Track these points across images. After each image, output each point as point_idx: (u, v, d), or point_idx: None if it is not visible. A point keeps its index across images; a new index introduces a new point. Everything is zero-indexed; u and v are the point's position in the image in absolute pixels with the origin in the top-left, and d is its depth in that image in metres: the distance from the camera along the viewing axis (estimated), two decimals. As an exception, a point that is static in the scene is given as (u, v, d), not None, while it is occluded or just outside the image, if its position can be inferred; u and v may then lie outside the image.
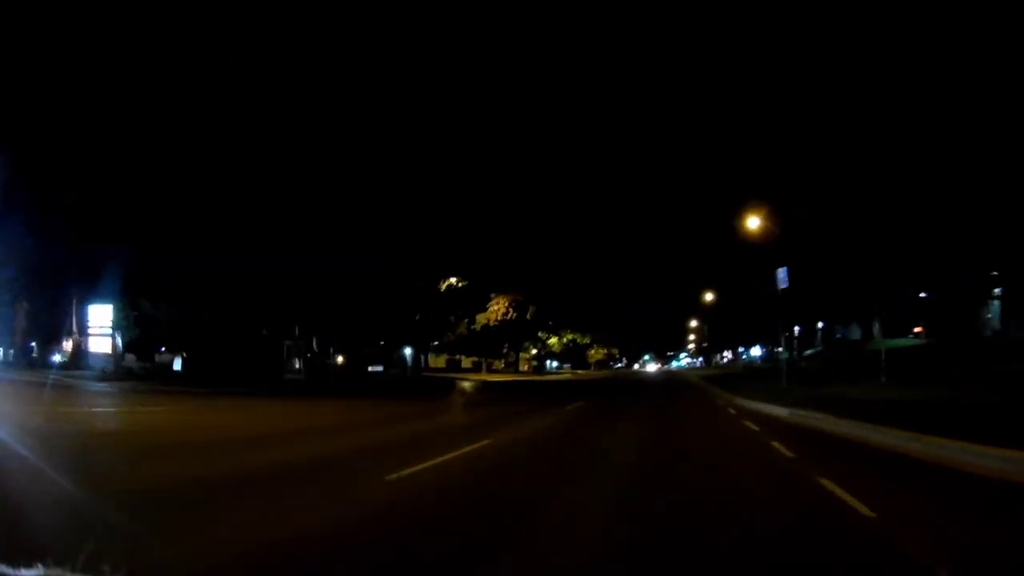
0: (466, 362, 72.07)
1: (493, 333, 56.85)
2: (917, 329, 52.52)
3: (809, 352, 68.47)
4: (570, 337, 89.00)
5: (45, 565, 2.50)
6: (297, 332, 42.07)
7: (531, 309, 60.19)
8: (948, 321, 45.93)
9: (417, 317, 45.96)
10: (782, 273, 23.97)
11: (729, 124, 55.69)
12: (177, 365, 39.69)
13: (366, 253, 41.06)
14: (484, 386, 35.74)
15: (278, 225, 35.92)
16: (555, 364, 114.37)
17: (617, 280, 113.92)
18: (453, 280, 50.02)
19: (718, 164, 56.32)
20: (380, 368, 52.97)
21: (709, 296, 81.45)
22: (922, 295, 49.81)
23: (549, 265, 65.52)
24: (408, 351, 58.37)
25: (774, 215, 40.92)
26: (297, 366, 44.57)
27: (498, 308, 56.24)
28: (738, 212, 46.25)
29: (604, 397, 24.08)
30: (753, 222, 40.33)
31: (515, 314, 57.42)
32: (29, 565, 2.48)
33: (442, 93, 63.72)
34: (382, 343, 48.24)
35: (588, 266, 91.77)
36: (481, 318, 55.79)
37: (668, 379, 41.51)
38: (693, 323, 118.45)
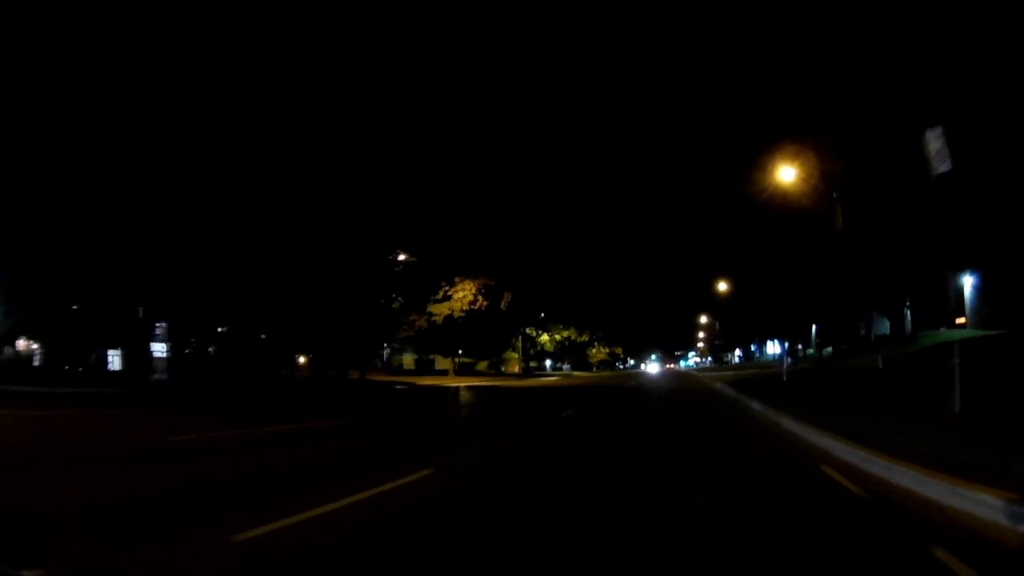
0: (442, 363, 62.88)
1: (461, 327, 47.44)
2: (960, 320, 44.13)
3: (828, 350, 59.50)
4: (565, 334, 79.38)
5: None
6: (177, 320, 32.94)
7: (506, 297, 50.50)
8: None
9: (356, 303, 36.71)
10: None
11: (740, 72, 46.24)
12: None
13: (285, 218, 32.25)
14: (419, 395, 26.84)
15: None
16: (555, 364, 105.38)
17: (619, 271, 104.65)
18: (402, 258, 40.64)
19: (730, 121, 46.91)
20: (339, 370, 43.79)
21: (722, 286, 72.73)
22: (967, 279, 43.27)
23: (533, 246, 55.91)
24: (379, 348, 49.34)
25: (811, 163, 32.63)
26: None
27: (463, 295, 46.73)
28: (760, 169, 37.67)
29: (560, 433, 15.37)
30: (787, 173, 31.55)
31: (485, 302, 47.80)
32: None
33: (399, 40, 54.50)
34: (304, 337, 38.93)
35: (584, 253, 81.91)
36: (443, 307, 46.35)
37: (678, 386, 31.60)
38: (703, 319, 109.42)
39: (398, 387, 35.19)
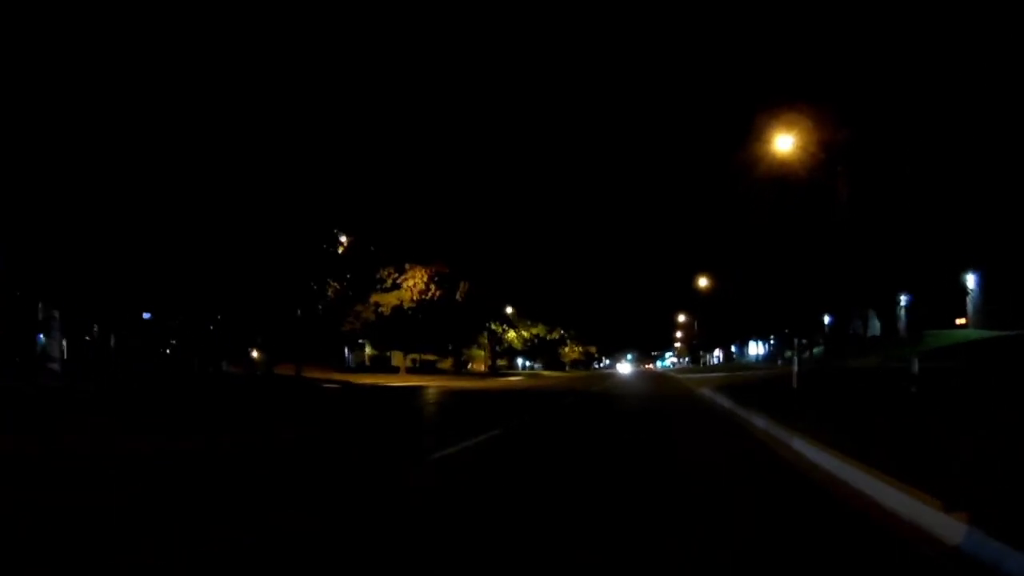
0: (399, 359, 57.26)
1: (413, 320, 41.73)
2: (960, 320, 41.64)
3: (818, 350, 55.26)
4: (534, 331, 74.05)
5: None
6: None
7: (462, 286, 44.81)
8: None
9: (281, 289, 31.17)
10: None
11: (725, 33, 41.42)
12: None
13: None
14: (323, 399, 21.52)
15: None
16: (526, 363, 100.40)
17: (593, 265, 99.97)
18: (343, 240, 35.06)
19: (716, 90, 41.96)
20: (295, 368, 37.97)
21: (703, 282, 68.10)
22: (970, 277, 39.65)
23: (495, 232, 50.24)
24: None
25: (809, 132, 28.04)
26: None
27: (413, 283, 41.02)
28: (750, 143, 33.09)
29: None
30: (783, 143, 26.76)
31: (439, 292, 42.08)
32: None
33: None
34: (226, 327, 33.39)
35: (555, 245, 76.85)
36: (390, 297, 40.62)
37: (652, 391, 26.26)
38: (681, 318, 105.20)
39: (326, 386, 29.66)
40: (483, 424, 11.00)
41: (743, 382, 23.26)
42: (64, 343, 30.49)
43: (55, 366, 25.67)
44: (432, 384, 33.44)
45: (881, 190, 32.36)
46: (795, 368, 16.20)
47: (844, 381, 18.54)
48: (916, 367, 18.00)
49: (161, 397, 18.57)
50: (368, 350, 65.10)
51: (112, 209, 27.35)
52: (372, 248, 37.86)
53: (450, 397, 21.56)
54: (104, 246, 27.67)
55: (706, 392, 20.38)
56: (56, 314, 26.34)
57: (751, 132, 31.00)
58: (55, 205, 25.59)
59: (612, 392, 25.31)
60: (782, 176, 31.63)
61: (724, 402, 15.27)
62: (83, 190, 26.30)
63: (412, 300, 41.41)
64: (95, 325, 34.05)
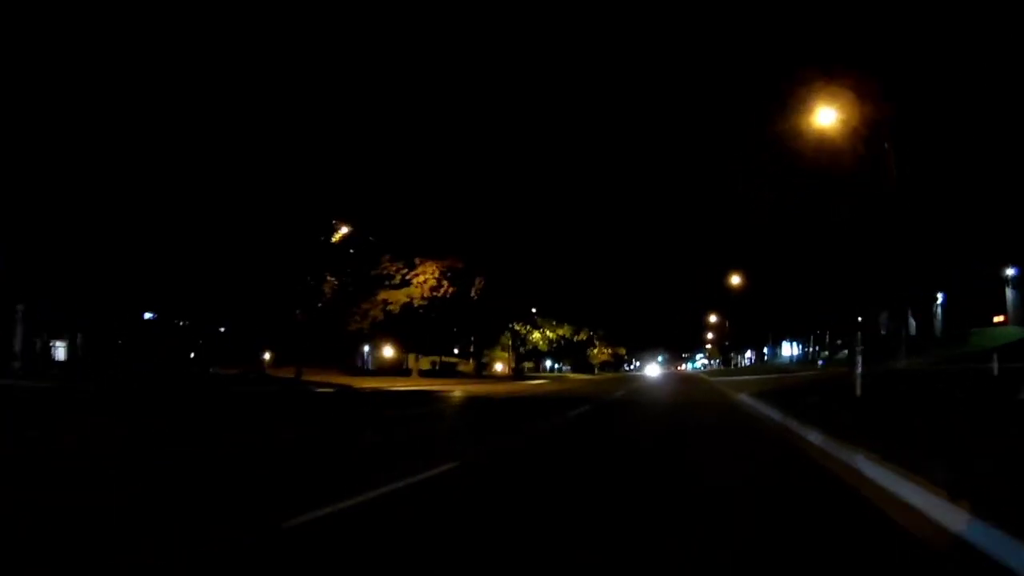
0: (422, 362, 54.52)
1: (426, 318, 38.85)
2: (998, 318, 39.30)
3: (845, 353, 51.46)
4: (560, 332, 70.74)
5: None
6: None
7: (477, 283, 41.71)
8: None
9: (273, 283, 28.68)
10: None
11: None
12: None
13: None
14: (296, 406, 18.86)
15: None
16: (555, 365, 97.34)
17: (622, 264, 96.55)
18: (344, 231, 32.41)
19: (747, 69, 38.55)
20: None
21: (735, 280, 64.37)
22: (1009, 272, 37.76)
23: (517, 225, 47.07)
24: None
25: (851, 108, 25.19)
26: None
27: (424, 279, 38.07)
28: (785, 124, 30.28)
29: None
30: (825, 116, 23.92)
31: (451, 288, 39.04)
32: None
33: None
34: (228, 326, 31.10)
35: (581, 242, 73.55)
36: (399, 294, 37.73)
37: (683, 398, 22.12)
38: (712, 318, 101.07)
39: (319, 390, 27.06)
40: (434, 453, 8.04)
41: (787, 386, 20.01)
42: (38, 342, 28.49)
43: (17, 364, 23.67)
44: (440, 388, 30.60)
45: (922, 179, 29.06)
46: (858, 370, 12.99)
47: (912, 386, 15.24)
48: (996, 368, 14.75)
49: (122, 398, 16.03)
50: (392, 352, 62.44)
51: (95, 203, 25.44)
52: (371, 239, 35.12)
53: (439, 405, 18.67)
54: (90, 243, 25.77)
55: (745, 399, 17.21)
56: (20, 308, 24.21)
57: (784, 112, 27.95)
58: (41, 203, 23.90)
59: (635, 399, 22.08)
60: (819, 165, 28.71)
61: (771, 413, 12.13)
62: (65, 183, 24.49)
63: (423, 297, 38.58)
64: (81, 326, 32.03)
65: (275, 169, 29.16)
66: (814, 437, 8.35)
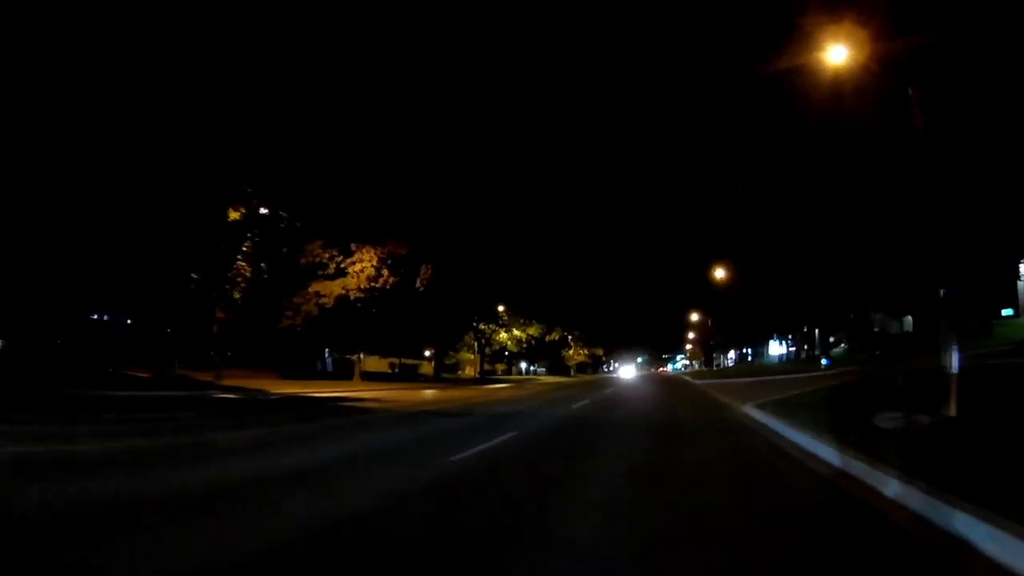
0: (378, 363, 48.80)
1: (362, 313, 33.05)
2: (1007, 311, 38.29)
3: (838, 351, 47.39)
4: (529, 332, 65.25)
5: None
6: None
7: (424, 271, 35.80)
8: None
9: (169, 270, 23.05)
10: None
11: None
12: None
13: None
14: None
15: None
16: (531, 368, 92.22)
17: (597, 259, 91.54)
18: (263, 212, 26.78)
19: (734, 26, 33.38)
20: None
21: (720, 273, 59.63)
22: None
23: (474, 207, 41.45)
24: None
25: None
26: None
27: (362, 267, 32.08)
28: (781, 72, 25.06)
29: None
30: (837, 53, 17.77)
31: (392, 278, 33.09)
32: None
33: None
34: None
35: (551, 234, 68.27)
36: (333, 286, 31.76)
37: (664, 411, 16.72)
38: (694, 316, 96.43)
39: (221, 396, 21.43)
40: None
41: (805, 394, 14.57)
42: None
43: None
44: (365, 395, 25.01)
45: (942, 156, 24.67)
46: (954, 368, 7.73)
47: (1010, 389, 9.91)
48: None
49: None
50: (363, 355, 56.16)
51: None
52: (297, 224, 29.48)
53: (311, 429, 13.07)
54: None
55: (753, 413, 11.81)
56: None
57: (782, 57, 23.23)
58: None
59: (596, 416, 16.32)
60: (826, 121, 24.02)
61: (826, 455, 6.80)
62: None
63: (360, 288, 32.82)
64: None
65: (159, 130, 23.48)
66: None
